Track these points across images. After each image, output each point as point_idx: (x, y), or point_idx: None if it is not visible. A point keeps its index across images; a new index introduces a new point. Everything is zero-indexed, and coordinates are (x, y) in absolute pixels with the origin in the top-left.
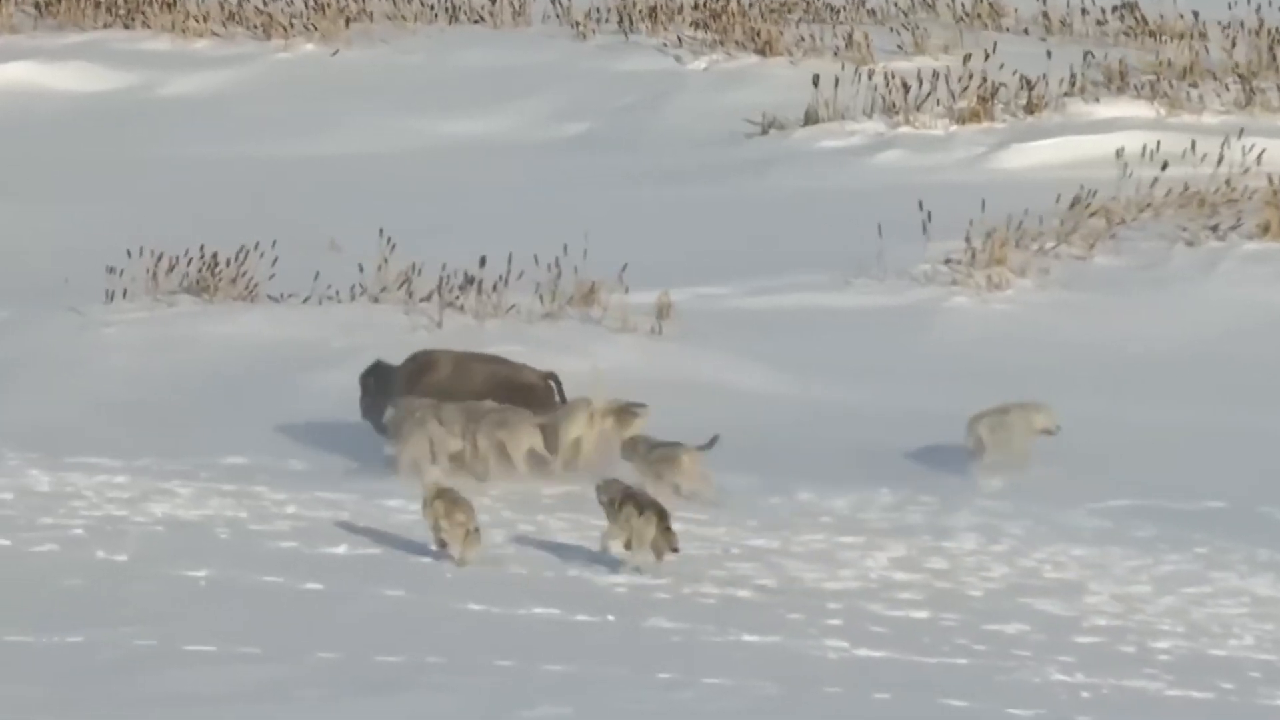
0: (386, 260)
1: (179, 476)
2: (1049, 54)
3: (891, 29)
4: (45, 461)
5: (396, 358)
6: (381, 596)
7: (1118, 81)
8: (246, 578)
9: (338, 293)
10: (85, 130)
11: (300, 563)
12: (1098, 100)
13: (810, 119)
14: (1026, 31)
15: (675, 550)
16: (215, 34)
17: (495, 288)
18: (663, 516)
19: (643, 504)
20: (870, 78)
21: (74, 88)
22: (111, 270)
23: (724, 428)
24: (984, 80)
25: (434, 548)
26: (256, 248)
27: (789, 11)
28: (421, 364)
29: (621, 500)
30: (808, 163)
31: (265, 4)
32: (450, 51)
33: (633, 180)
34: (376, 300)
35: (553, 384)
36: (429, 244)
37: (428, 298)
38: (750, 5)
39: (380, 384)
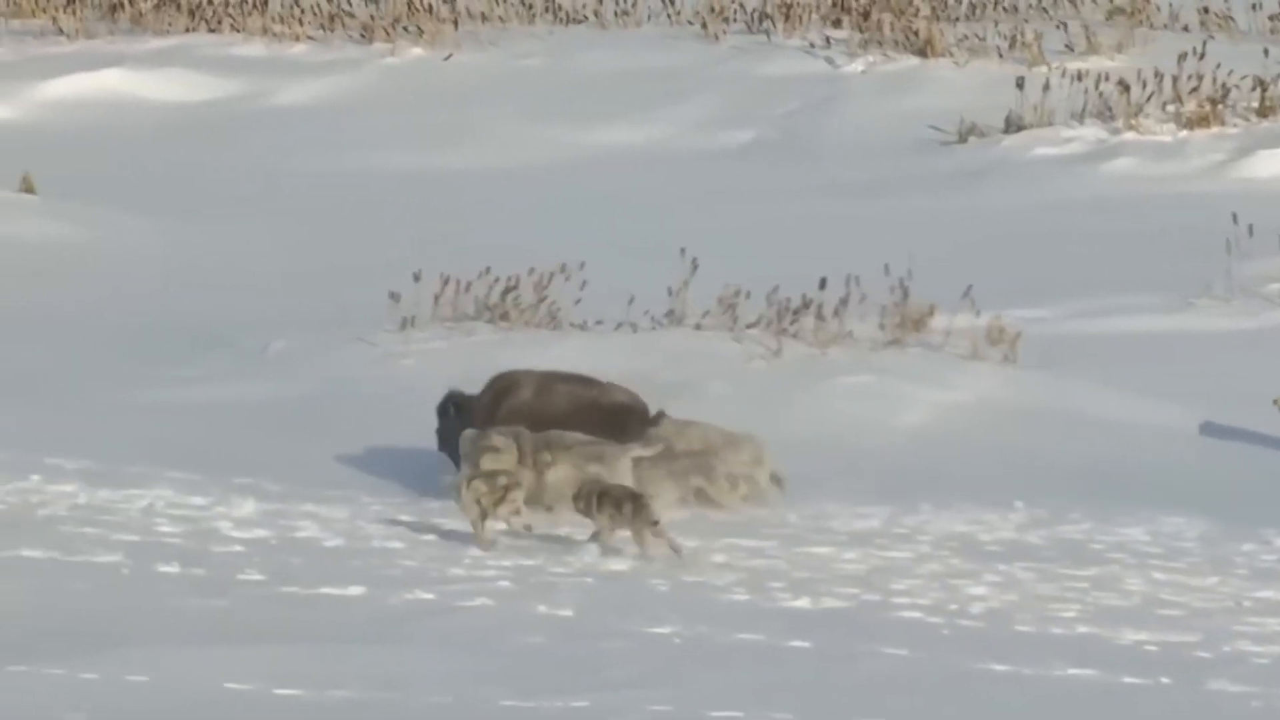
0: (686, 283)
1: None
2: (1265, 52)
3: (1058, 26)
4: (396, 511)
5: (733, 390)
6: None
7: None
8: (721, 635)
9: (655, 319)
10: (198, 142)
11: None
12: None
13: (1013, 125)
14: (1186, 29)
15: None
16: (311, 38)
17: (836, 313)
18: (638, 503)
19: (617, 498)
20: (1079, 79)
21: (172, 97)
22: (393, 296)
23: (1105, 462)
24: (1208, 81)
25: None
26: (563, 270)
27: (941, 9)
28: (502, 387)
29: (599, 498)
30: (1024, 173)
31: (363, 4)
32: (568, 54)
33: (828, 193)
34: (699, 327)
35: (644, 405)
36: (648, 264)
37: (756, 324)
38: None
39: (460, 414)
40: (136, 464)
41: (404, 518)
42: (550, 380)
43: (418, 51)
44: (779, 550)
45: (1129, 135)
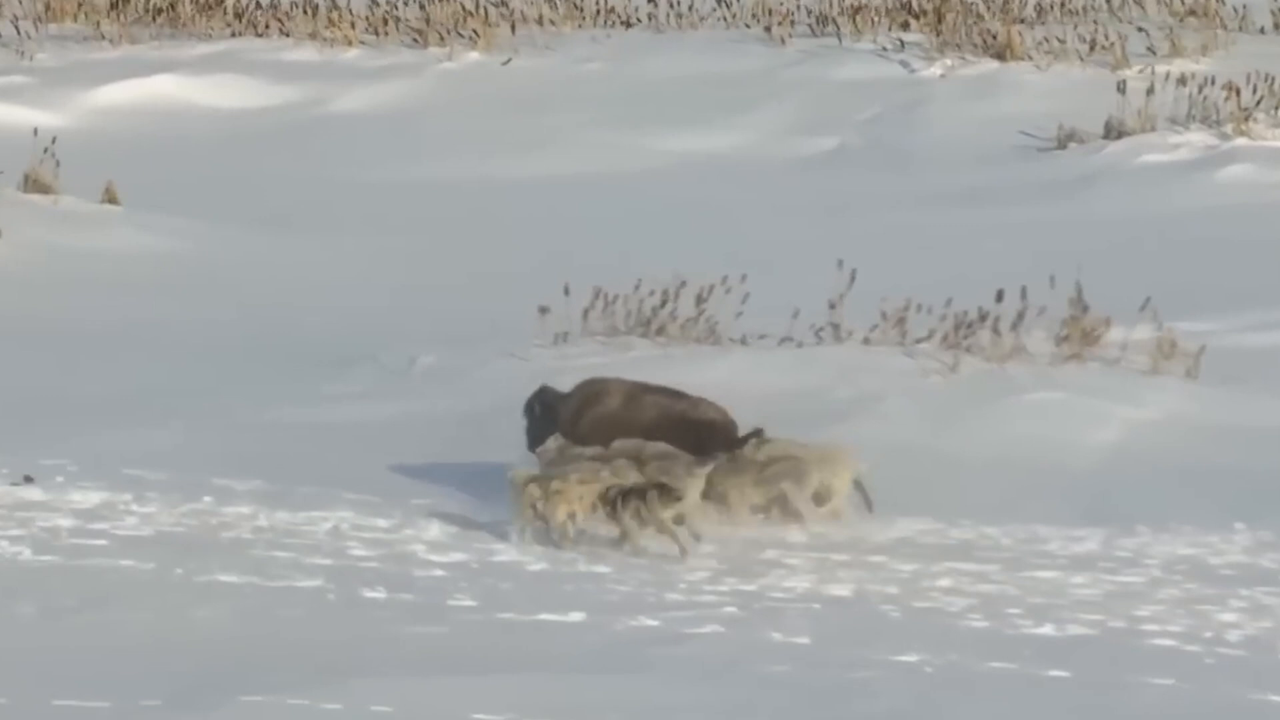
0: (842, 296)
1: (777, 546)
2: None
3: (1141, 29)
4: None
5: (912, 407)
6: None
7: None
8: (972, 664)
9: (820, 334)
10: (260, 150)
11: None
12: None
13: (1113, 130)
14: (1262, 30)
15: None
16: (363, 42)
17: (1014, 326)
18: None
19: (641, 490)
20: (1183, 84)
21: (227, 103)
22: (543, 310)
23: None
24: None
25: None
26: (724, 282)
27: (1013, 11)
28: (590, 394)
29: (622, 499)
30: (1134, 179)
31: (416, 7)
32: (629, 59)
33: (931, 201)
34: (868, 341)
35: (733, 423)
36: (766, 276)
37: (927, 337)
38: (980, 5)
39: (545, 411)
40: (307, 484)
41: (601, 540)
42: (639, 391)
43: (475, 56)
44: (1002, 575)
45: (1240, 141)
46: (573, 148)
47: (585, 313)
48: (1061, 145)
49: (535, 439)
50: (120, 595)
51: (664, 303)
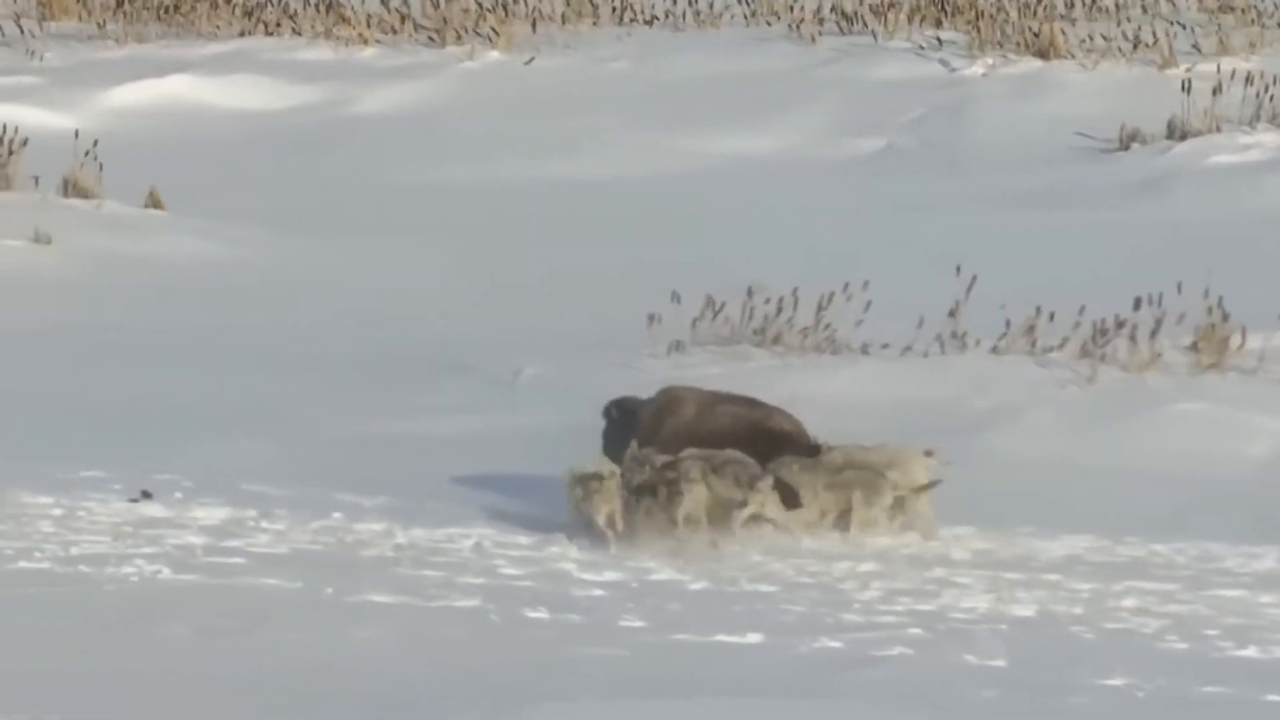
0: (960, 303)
1: (943, 563)
2: None
3: (1185, 27)
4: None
5: (1054, 418)
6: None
7: None
8: (1187, 689)
9: (944, 343)
10: (287, 152)
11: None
12: None
13: (1176, 131)
14: None
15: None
16: (379, 41)
17: (1153, 335)
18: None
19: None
20: (1249, 83)
21: (245, 104)
22: (654, 319)
23: None
24: None
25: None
26: (845, 289)
27: (1048, 9)
28: (665, 403)
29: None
30: (1206, 181)
31: (430, 6)
32: (655, 58)
33: (995, 204)
34: (996, 350)
35: (806, 434)
36: (837, 278)
37: (1060, 346)
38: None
39: (624, 418)
40: (437, 500)
41: (755, 557)
42: (714, 400)
43: (495, 55)
44: (1187, 594)
45: None
46: (613, 149)
47: (694, 322)
48: (1124, 146)
49: (611, 444)
50: (273, 616)
51: (779, 310)
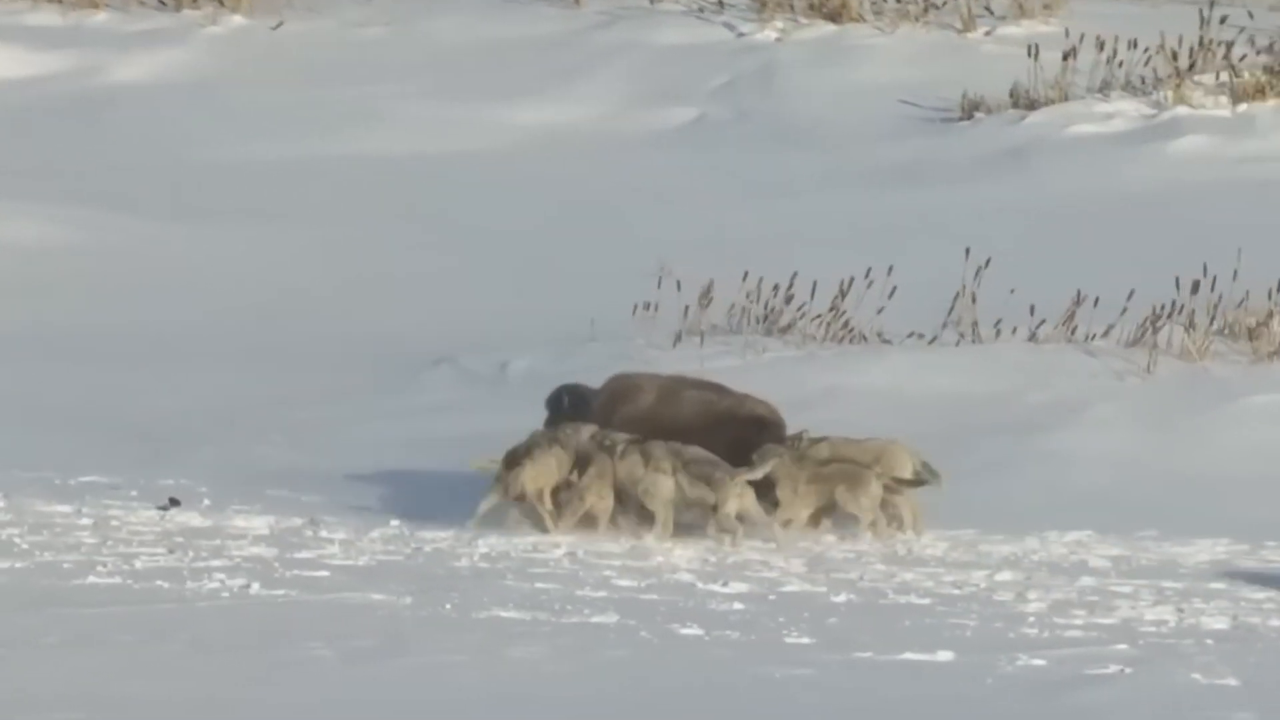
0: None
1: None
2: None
3: None
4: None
5: (1120, 412)
6: None
7: None
8: None
9: (977, 331)
10: (59, 125)
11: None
12: None
13: (1021, 100)
14: None
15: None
16: (109, 5)
17: (1211, 323)
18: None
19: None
20: (1101, 49)
21: None
22: (648, 307)
23: None
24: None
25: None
26: (867, 275)
27: None
28: (620, 390)
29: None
30: (1076, 153)
31: None
32: (411, 22)
33: (848, 182)
34: (1033, 338)
35: (783, 421)
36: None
37: (1104, 334)
38: None
39: (575, 408)
40: (458, 502)
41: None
42: (676, 385)
43: (239, 20)
44: None
45: (1181, 110)
46: (405, 122)
47: (685, 310)
48: (966, 115)
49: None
50: (411, 636)
51: (789, 299)
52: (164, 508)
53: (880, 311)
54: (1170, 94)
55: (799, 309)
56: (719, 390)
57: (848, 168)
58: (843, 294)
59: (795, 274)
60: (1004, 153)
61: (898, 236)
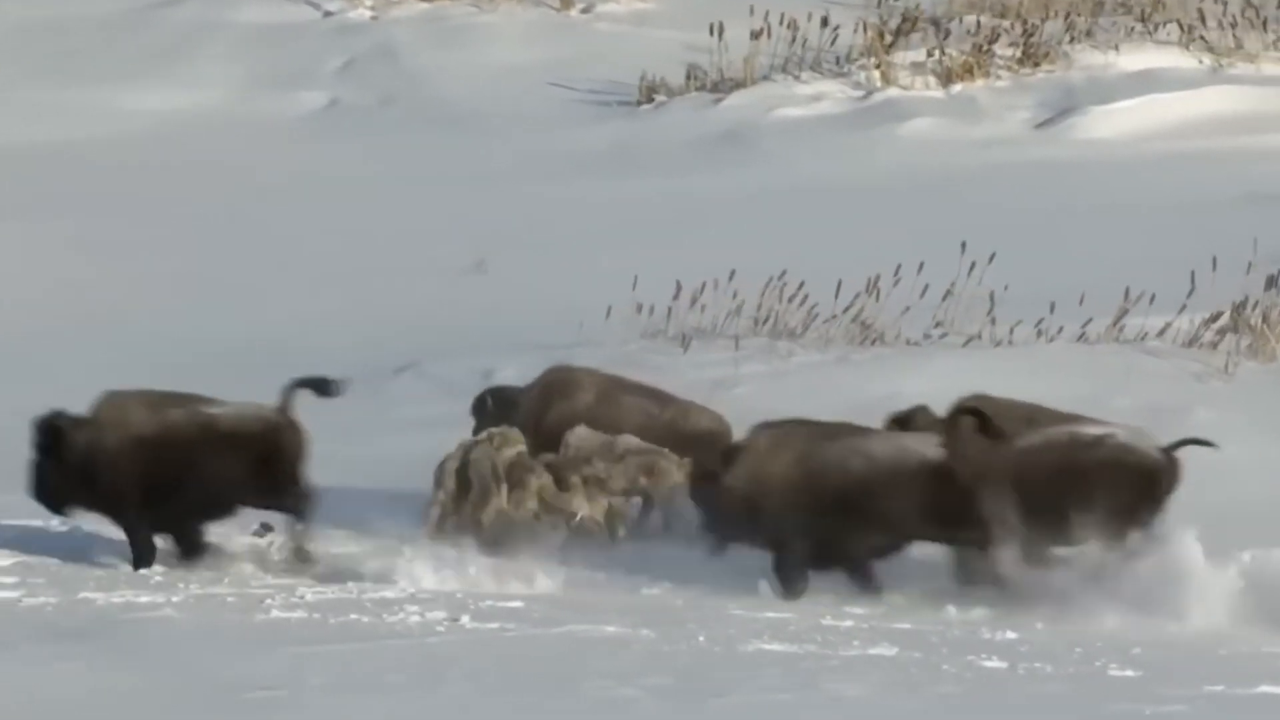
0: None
1: None
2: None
3: None
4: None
5: (1222, 416)
6: None
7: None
8: None
9: (1011, 333)
10: None
11: None
12: (1116, 48)
13: (701, 82)
14: None
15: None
16: None
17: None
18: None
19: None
20: (791, 28)
21: None
22: (642, 309)
23: None
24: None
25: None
26: (870, 279)
27: None
28: (556, 384)
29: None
30: (791, 139)
31: None
32: None
33: (541, 172)
34: (1084, 338)
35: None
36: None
37: (1160, 333)
38: None
39: (500, 410)
40: None
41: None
42: (615, 388)
43: None
44: None
45: (893, 91)
46: (14, 108)
47: (670, 311)
48: (647, 99)
49: None
50: (558, 669)
51: (789, 299)
52: (259, 534)
53: (906, 310)
54: (877, 75)
55: (811, 311)
56: (661, 398)
57: (540, 155)
58: (869, 292)
59: (783, 272)
60: (715, 138)
61: (646, 228)
